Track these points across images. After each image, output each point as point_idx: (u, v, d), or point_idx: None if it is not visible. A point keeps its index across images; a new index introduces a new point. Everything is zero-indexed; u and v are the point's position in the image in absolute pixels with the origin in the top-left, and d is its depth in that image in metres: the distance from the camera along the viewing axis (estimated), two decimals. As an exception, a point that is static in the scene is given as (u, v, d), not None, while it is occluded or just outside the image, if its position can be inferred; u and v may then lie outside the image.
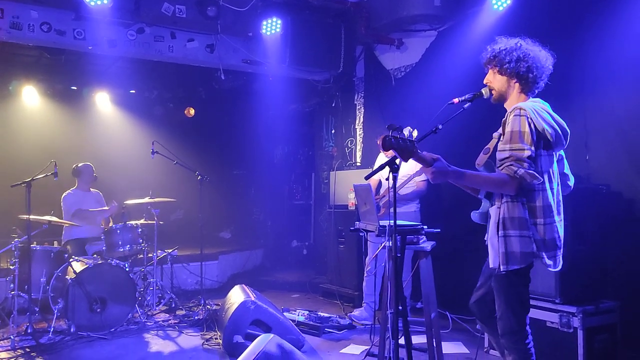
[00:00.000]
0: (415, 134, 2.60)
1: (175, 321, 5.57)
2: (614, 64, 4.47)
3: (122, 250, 5.68)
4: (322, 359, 4.48)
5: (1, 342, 4.79)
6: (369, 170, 5.71)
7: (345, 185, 6.61)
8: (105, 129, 9.11)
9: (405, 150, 2.49)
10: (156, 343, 4.92)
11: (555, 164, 2.76)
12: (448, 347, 4.57)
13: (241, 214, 10.53)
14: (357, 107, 7.54)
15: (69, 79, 8.56)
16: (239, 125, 10.00)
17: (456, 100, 2.85)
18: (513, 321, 2.69)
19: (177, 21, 6.17)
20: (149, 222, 6.09)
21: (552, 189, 2.70)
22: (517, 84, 2.80)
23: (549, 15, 4.89)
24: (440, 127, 2.72)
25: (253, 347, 3.23)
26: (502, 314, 2.73)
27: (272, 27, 6.51)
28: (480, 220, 2.93)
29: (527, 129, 2.57)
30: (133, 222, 5.89)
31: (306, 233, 9.28)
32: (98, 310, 5.02)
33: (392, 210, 2.70)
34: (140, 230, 5.87)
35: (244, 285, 5.14)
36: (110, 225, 5.98)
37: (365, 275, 5.80)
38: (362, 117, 7.45)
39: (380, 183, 5.89)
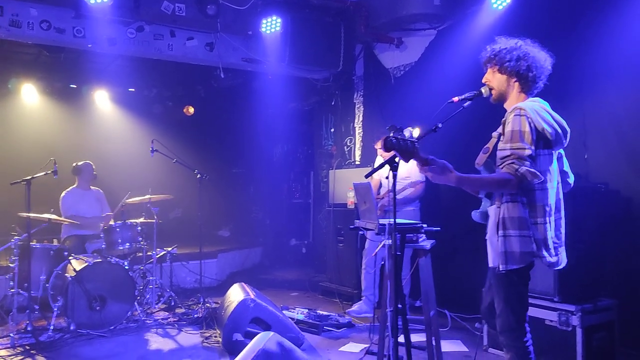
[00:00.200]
0: (415, 133, 2.61)
1: (175, 319, 5.57)
2: (613, 63, 4.48)
3: (121, 248, 5.69)
4: (322, 357, 4.48)
5: (1, 339, 4.80)
6: (368, 169, 5.76)
7: (344, 183, 6.62)
8: (104, 127, 9.12)
9: (406, 151, 2.50)
10: (156, 341, 4.92)
11: (555, 163, 2.77)
12: (447, 346, 4.58)
13: (240, 213, 10.53)
14: (357, 106, 7.54)
15: (68, 77, 8.56)
16: (238, 124, 10.01)
17: (456, 99, 2.86)
18: (512, 319, 2.70)
19: (177, 19, 6.16)
20: (149, 220, 6.09)
21: (552, 187, 2.71)
22: (516, 83, 2.81)
23: (549, 15, 4.90)
24: (440, 125, 2.73)
25: (252, 345, 3.24)
26: (500, 312, 2.74)
27: (271, 25, 6.51)
28: (480, 220, 2.94)
29: (527, 128, 2.59)
30: (132, 221, 5.89)
31: (305, 231, 9.29)
32: (97, 308, 5.03)
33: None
34: (139, 228, 5.87)
35: (243, 283, 5.15)
36: (110, 223, 5.99)
37: (363, 268, 5.84)
38: (361, 115, 7.46)
39: (380, 184, 5.91)
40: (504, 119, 2.73)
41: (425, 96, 5.85)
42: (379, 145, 5.85)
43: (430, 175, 2.60)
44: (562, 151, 2.84)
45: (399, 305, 2.93)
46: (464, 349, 4.65)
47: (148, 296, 5.92)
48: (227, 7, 6.19)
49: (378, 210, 5.37)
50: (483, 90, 2.88)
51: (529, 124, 2.59)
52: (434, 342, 3.72)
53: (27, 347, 4.61)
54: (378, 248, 3.72)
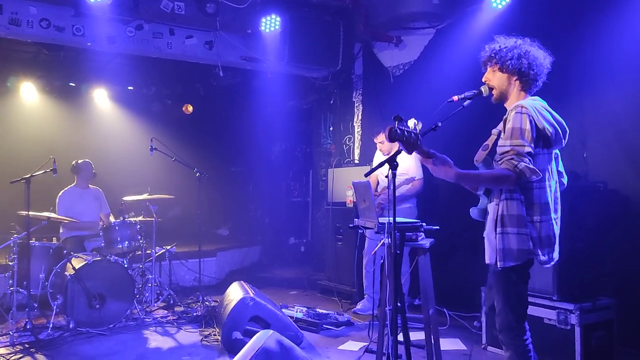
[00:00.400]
0: (419, 126, 2.61)
1: (174, 317, 5.58)
2: (613, 62, 4.48)
3: (120, 246, 5.69)
4: (321, 356, 4.49)
5: (0, 337, 4.81)
6: (367, 168, 5.77)
7: (343, 182, 6.62)
8: (103, 126, 9.11)
9: (410, 142, 2.52)
10: (155, 339, 4.93)
11: (553, 162, 2.78)
12: (446, 344, 4.58)
13: (239, 211, 10.53)
14: (356, 105, 7.55)
15: (68, 76, 8.54)
16: (237, 122, 10.00)
17: (455, 98, 2.86)
18: (511, 317, 2.72)
19: (176, 18, 6.15)
20: (148, 218, 6.09)
21: (549, 186, 2.72)
22: (517, 82, 2.82)
23: (548, 13, 4.90)
24: (439, 124, 2.74)
25: (252, 344, 3.24)
26: (500, 310, 2.75)
27: (270, 24, 6.51)
28: (479, 217, 2.95)
29: (528, 126, 2.60)
30: (131, 219, 5.89)
31: (304, 230, 9.29)
32: (97, 306, 5.03)
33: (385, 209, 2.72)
34: (138, 227, 5.87)
35: (242, 281, 5.15)
36: (109, 221, 5.99)
37: (364, 267, 5.88)
38: (360, 114, 7.46)
39: (378, 181, 5.91)
40: (505, 117, 2.74)
41: (425, 95, 5.84)
42: (378, 139, 5.85)
43: (431, 169, 2.61)
44: (558, 152, 2.85)
45: (398, 304, 2.93)
46: (463, 347, 4.66)
47: (147, 294, 5.93)
48: (227, 5, 6.18)
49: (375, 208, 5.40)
50: (483, 89, 2.89)
51: (530, 122, 2.61)
52: (432, 341, 3.73)
53: (27, 345, 4.62)
54: (377, 247, 3.73)
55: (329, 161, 7.83)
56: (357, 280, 6.08)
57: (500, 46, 2.83)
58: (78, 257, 5.31)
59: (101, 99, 9.06)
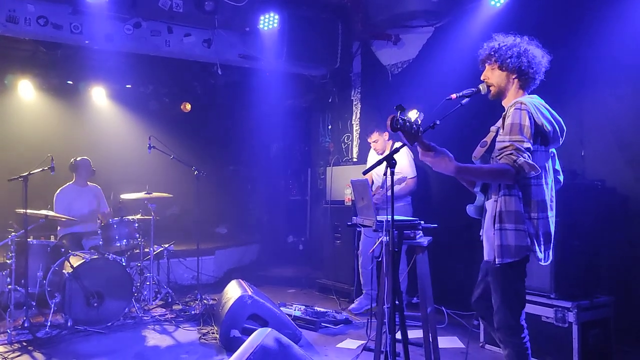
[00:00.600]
0: (421, 117, 2.62)
1: (172, 316, 5.58)
2: (611, 61, 4.49)
3: (118, 244, 5.69)
4: (319, 354, 4.50)
5: (-2, 336, 4.81)
6: (366, 166, 5.77)
7: (341, 180, 6.63)
8: (101, 124, 9.08)
9: (411, 133, 2.52)
10: (153, 337, 4.93)
11: (550, 160, 2.79)
12: (444, 342, 4.59)
13: (237, 209, 10.52)
14: (354, 103, 7.55)
15: (65, 73, 8.51)
16: (235, 121, 9.99)
17: (454, 96, 2.87)
18: (509, 315, 2.72)
19: (174, 16, 6.14)
20: (146, 217, 6.09)
21: (546, 184, 2.74)
22: (516, 80, 2.83)
23: (546, 11, 4.91)
24: (438, 122, 2.74)
25: (250, 341, 3.24)
26: (498, 308, 2.76)
27: (269, 22, 6.51)
28: (475, 214, 2.95)
29: (527, 122, 2.62)
30: (130, 217, 5.89)
31: (302, 228, 9.29)
32: (95, 304, 5.03)
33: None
34: (136, 225, 5.87)
35: (240, 280, 5.15)
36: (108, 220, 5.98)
37: (359, 265, 5.93)
38: (358, 112, 7.46)
39: (372, 181, 5.92)
40: (504, 114, 2.75)
41: (423, 93, 5.86)
42: (372, 138, 5.87)
43: (430, 161, 2.61)
44: (554, 150, 2.86)
45: (396, 302, 2.94)
46: (461, 345, 4.67)
47: (145, 293, 5.92)
48: (225, 3, 6.18)
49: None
50: (481, 87, 2.89)
51: (529, 118, 2.62)
52: (430, 339, 3.74)
53: (25, 344, 4.61)
54: (375, 245, 3.73)
55: (327, 159, 7.83)
56: (356, 279, 6.09)
57: (499, 44, 2.84)
58: (76, 255, 5.30)
59: (99, 97, 9.04)
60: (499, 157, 2.64)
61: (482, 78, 2.92)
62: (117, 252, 5.65)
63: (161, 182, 7.37)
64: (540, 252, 2.68)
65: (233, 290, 4.80)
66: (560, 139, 2.75)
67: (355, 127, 7.49)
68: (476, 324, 4.86)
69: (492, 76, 2.87)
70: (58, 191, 6.10)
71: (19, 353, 4.42)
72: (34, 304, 5.11)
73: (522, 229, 2.65)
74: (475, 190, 2.94)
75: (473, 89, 2.89)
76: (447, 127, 2.97)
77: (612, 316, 4.08)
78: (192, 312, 5.63)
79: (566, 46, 4.52)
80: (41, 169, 5.11)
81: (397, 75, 6.88)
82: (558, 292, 3.96)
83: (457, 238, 5.43)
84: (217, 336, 4.74)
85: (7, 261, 5.10)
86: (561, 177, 2.93)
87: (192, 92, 9.73)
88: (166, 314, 5.64)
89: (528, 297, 4.00)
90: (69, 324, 4.92)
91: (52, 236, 5.92)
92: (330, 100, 7.94)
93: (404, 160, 5.51)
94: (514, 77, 2.82)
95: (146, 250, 6.05)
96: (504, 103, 2.88)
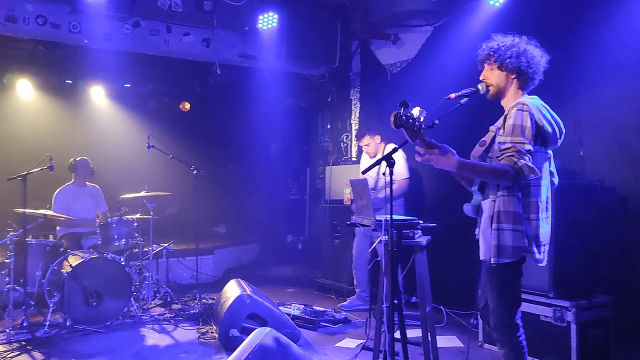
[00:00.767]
0: (424, 115, 2.62)
1: (171, 315, 5.58)
2: (610, 60, 4.49)
3: (117, 244, 5.69)
4: (318, 353, 4.50)
5: (-3, 335, 4.80)
6: (364, 166, 5.76)
7: (340, 180, 6.62)
8: (100, 123, 9.06)
9: (414, 130, 2.53)
10: (152, 337, 4.93)
11: (547, 162, 2.80)
12: (442, 341, 4.60)
13: (236, 209, 10.52)
14: (353, 102, 7.55)
15: (64, 73, 8.50)
16: (234, 120, 9.98)
17: (453, 95, 2.87)
18: (505, 315, 2.72)
19: (173, 15, 6.14)
20: (145, 216, 6.09)
21: (544, 185, 2.74)
22: (515, 80, 2.83)
23: (545, 11, 4.91)
24: (436, 122, 2.74)
25: (249, 341, 3.24)
26: (494, 308, 2.76)
27: (268, 21, 6.50)
28: (472, 213, 2.96)
29: (529, 123, 2.62)
30: (129, 217, 5.88)
31: (301, 228, 9.29)
32: (94, 303, 5.03)
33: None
34: (136, 224, 5.87)
35: (239, 279, 5.15)
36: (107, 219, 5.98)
37: (352, 264, 5.98)
38: (357, 112, 7.46)
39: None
40: (505, 114, 2.75)
41: (422, 93, 5.84)
42: (363, 142, 5.90)
43: (434, 159, 2.61)
44: (551, 152, 2.86)
45: (395, 301, 2.94)
46: (459, 344, 4.67)
47: (144, 292, 5.92)
48: (224, 2, 6.17)
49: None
50: (480, 87, 2.89)
51: (531, 119, 2.63)
52: (429, 338, 3.74)
53: (23, 343, 4.61)
54: (374, 245, 3.73)
55: (326, 159, 7.82)
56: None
57: (498, 44, 2.84)
58: (75, 254, 5.30)
59: (98, 96, 9.03)
60: (500, 158, 2.64)
61: (481, 78, 2.92)
62: (116, 252, 5.65)
63: (160, 181, 7.37)
64: (539, 253, 2.68)
65: (232, 290, 4.80)
66: (559, 140, 2.76)
67: (354, 127, 7.49)
68: (475, 323, 4.86)
69: (491, 76, 2.87)
70: (57, 191, 6.09)
71: (17, 352, 4.42)
72: (33, 303, 5.11)
73: (520, 229, 2.65)
74: (472, 190, 2.94)
75: (472, 89, 2.88)
76: (446, 126, 2.97)
77: (611, 316, 4.09)
78: (191, 311, 5.63)
79: (565, 46, 4.53)
80: (40, 169, 5.12)
81: (396, 74, 6.88)
82: (557, 292, 3.96)
83: (456, 237, 5.42)
84: (216, 335, 4.74)
85: (6, 260, 5.09)
86: (555, 179, 2.93)
87: (191, 91, 9.73)
88: (165, 313, 5.64)
89: (526, 297, 4.02)
90: (67, 323, 4.92)
91: (51, 235, 5.92)
92: (329, 100, 7.94)
93: (399, 160, 5.53)
94: (513, 77, 2.83)
95: (145, 249, 6.05)
96: (502, 103, 2.89)
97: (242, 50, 6.90)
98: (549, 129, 2.66)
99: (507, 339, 2.74)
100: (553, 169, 2.92)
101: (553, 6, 4.87)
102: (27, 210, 5.00)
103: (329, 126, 8.11)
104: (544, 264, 2.75)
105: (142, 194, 6.08)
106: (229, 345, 4.33)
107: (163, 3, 5.95)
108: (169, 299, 5.99)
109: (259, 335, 3.25)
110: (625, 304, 4.18)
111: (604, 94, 4.57)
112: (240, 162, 10.50)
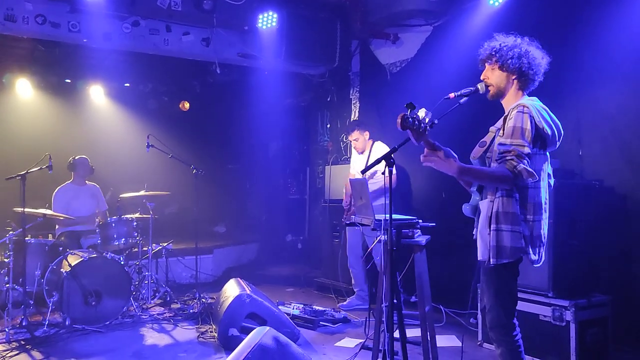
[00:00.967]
0: (429, 116, 2.62)
1: (171, 314, 5.58)
2: (609, 60, 4.49)
3: (117, 243, 5.69)
4: (317, 352, 4.50)
5: (-4, 334, 4.80)
6: (363, 166, 5.77)
7: (340, 179, 6.62)
8: (99, 122, 9.06)
9: (419, 132, 2.54)
10: (151, 336, 4.93)
11: (545, 163, 2.80)
12: (442, 341, 4.60)
13: (236, 208, 10.52)
14: (353, 102, 7.54)
15: (63, 72, 8.50)
16: (234, 119, 9.98)
17: (452, 95, 2.87)
18: (502, 314, 2.73)
19: (173, 14, 6.13)
20: (144, 215, 6.09)
21: (543, 187, 2.74)
22: (516, 81, 2.83)
23: (544, 11, 4.91)
24: (436, 121, 2.73)
25: (249, 340, 3.24)
26: (491, 307, 2.76)
27: (267, 21, 6.50)
28: (471, 214, 2.96)
29: (529, 126, 2.62)
30: (128, 216, 5.88)
31: (301, 227, 9.29)
32: (93, 303, 5.03)
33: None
34: (135, 223, 5.87)
35: (239, 278, 5.15)
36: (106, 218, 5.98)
37: (349, 264, 6.00)
38: (357, 111, 7.45)
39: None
40: (505, 115, 2.75)
41: (422, 92, 5.85)
42: (352, 136, 5.90)
43: (437, 161, 2.61)
44: (548, 153, 2.86)
45: (394, 301, 2.94)
46: (459, 343, 4.67)
47: (144, 291, 5.92)
48: (224, 2, 6.17)
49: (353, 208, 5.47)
50: (479, 86, 2.89)
51: (531, 121, 2.63)
52: (429, 337, 3.74)
53: (23, 342, 4.61)
54: (373, 244, 3.73)
55: (326, 158, 7.82)
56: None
57: (500, 44, 2.83)
58: (74, 254, 5.30)
59: (97, 95, 9.03)
60: (499, 161, 2.64)
61: (481, 78, 2.91)
62: (116, 251, 5.65)
63: (160, 180, 7.37)
64: (534, 254, 2.69)
65: (231, 289, 4.80)
66: (557, 142, 2.76)
67: (354, 126, 7.49)
68: (474, 323, 4.87)
69: (492, 76, 2.87)
70: (56, 190, 6.09)
71: (17, 352, 4.42)
72: (32, 302, 5.11)
73: (518, 230, 2.65)
74: (471, 190, 2.94)
75: (471, 88, 2.88)
76: (445, 126, 2.97)
77: (610, 315, 4.09)
78: (191, 310, 5.64)
79: (564, 45, 4.53)
80: (39, 168, 5.11)
81: (395, 74, 6.89)
82: (556, 291, 3.97)
83: (455, 237, 5.43)
84: (216, 335, 4.74)
85: (5, 260, 5.09)
86: (552, 181, 2.92)
87: (190, 90, 9.73)
88: (164, 313, 5.64)
89: (525, 296, 4.03)
90: (67, 323, 4.92)
91: (50, 235, 5.92)
92: (329, 99, 7.94)
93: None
94: (513, 77, 2.82)
95: (144, 248, 6.05)
96: (503, 102, 2.88)
97: (241, 49, 6.89)
98: (549, 132, 2.66)
99: (503, 338, 2.74)
100: (550, 170, 2.92)
101: (552, 6, 4.87)
102: (26, 210, 5.00)
103: (328, 126, 8.11)
104: (539, 264, 2.75)
105: (142, 193, 6.08)
106: (229, 344, 4.33)
107: (162, 2, 5.95)
108: (168, 299, 5.99)
109: (258, 334, 3.25)
110: (624, 304, 4.19)
111: (603, 94, 4.57)
112: (239, 161, 10.50)
